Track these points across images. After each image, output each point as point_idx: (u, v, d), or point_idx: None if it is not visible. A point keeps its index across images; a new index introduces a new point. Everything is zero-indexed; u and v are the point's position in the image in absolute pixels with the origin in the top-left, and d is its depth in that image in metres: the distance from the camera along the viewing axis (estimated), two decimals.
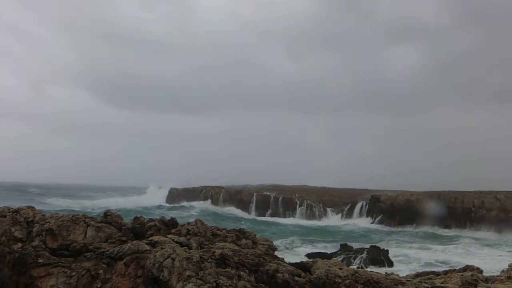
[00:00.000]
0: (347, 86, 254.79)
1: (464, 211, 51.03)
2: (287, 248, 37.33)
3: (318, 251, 35.39)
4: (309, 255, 30.52)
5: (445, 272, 11.27)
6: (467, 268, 11.57)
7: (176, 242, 8.38)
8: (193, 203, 69.96)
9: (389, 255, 31.75)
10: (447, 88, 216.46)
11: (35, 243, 8.60)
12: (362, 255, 31.87)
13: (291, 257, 32.43)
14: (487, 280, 9.80)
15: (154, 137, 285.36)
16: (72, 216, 9.13)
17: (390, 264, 30.38)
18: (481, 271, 10.84)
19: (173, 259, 7.42)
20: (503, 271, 10.56)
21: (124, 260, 7.98)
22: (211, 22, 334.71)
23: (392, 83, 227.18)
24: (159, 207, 65.33)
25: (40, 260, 8.08)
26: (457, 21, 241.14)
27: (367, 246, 33.91)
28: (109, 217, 9.56)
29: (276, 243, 37.94)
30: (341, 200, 65.48)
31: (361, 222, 57.20)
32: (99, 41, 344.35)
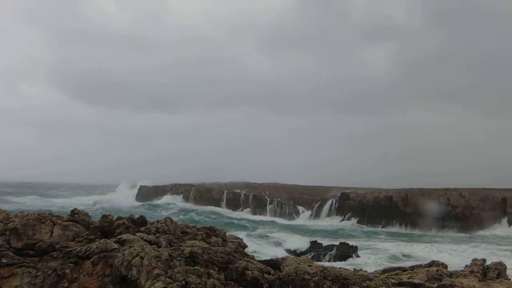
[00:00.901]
0: (320, 85, 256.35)
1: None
2: (261, 236, 38.00)
3: (290, 245, 35.91)
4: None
5: (412, 268, 11.51)
6: (432, 263, 11.84)
7: (145, 240, 8.30)
8: (165, 198, 69.93)
9: (357, 251, 32.29)
10: (416, 87, 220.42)
11: None
12: (332, 252, 32.26)
13: (268, 246, 33.10)
14: (451, 275, 10.06)
15: (125, 134, 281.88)
16: (38, 214, 8.93)
17: (358, 256, 31.08)
18: (446, 266, 11.11)
19: (142, 258, 7.36)
20: (466, 266, 10.83)
21: (92, 259, 7.86)
22: (183, 17, 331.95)
23: (364, 83, 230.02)
24: (139, 206, 64.46)
25: (4, 261, 7.88)
26: (428, 22, 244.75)
27: (337, 243, 34.31)
28: (76, 216, 9.40)
29: (254, 233, 38.67)
30: (311, 197, 66.00)
31: (331, 220, 57.84)
32: (71, 36, 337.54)
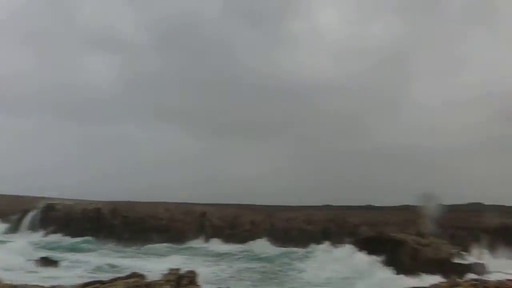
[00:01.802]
0: (38, 87, 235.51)
1: (137, 221, 53.25)
2: None
3: None
4: None
5: (112, 280, 11.58)
6: (133, 275, 12.17)
7: None
8: None
9: (59, 263, 30.93)
10: (137, 103, 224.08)
11: None
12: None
13: None
14: (149, 285, 10.52)
15: None
16: None
17: (59, 269, 29.67)
18: (145, 277, 11.56)
19: None
20: (163, 275, 11.48)
21: None
22: None
23: (86, 91, 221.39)
24: None
25: None
26: (155, 41, 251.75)
27: (35, 257, 31.96)
28: None
29: None
30: (11, 208, 59.87)
31: (33, 233, 53.18)
32: None
